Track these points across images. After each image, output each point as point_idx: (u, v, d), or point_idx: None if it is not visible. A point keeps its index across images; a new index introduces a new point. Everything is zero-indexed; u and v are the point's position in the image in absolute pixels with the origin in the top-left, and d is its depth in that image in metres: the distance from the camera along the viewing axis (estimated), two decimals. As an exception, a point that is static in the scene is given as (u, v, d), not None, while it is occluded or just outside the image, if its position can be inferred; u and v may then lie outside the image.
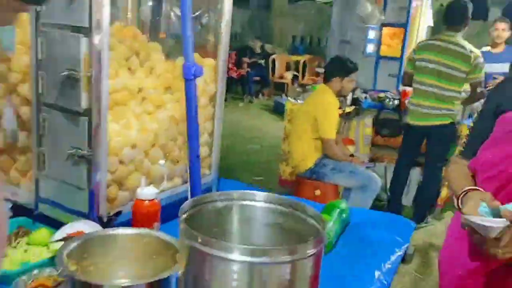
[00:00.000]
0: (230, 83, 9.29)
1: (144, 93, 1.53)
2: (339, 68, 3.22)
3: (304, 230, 1.02)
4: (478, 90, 3.37)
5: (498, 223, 0.92)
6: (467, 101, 3.58)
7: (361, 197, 3.11)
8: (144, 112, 1.53)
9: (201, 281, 0.86)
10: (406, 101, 3.90)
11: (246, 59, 9.31)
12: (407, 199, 3.98)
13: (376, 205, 3.49)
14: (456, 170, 1.27)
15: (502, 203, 1.07)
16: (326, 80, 3.27)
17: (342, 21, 5.02)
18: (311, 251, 0.85)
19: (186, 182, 1.62)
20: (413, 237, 3.34)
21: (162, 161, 1.48)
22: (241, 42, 11.69)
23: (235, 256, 0.82)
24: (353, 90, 4.30)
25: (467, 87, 3.47)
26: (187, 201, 1.00)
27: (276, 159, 4.64)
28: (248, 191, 1.06)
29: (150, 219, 1.29)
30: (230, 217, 1.08)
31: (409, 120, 3.54)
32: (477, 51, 3.29)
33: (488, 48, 4.41)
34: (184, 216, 0.98)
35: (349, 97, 4.22)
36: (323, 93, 3.25)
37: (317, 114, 3.13)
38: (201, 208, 1.05)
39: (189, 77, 1.43)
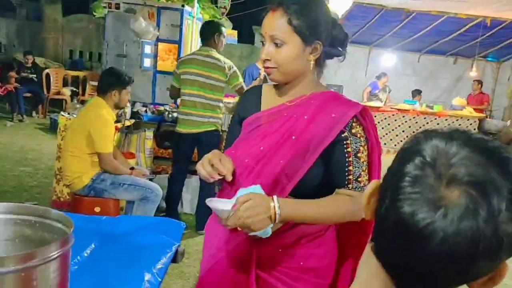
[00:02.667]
0: (-6, 100, 8.12)
1: None
2: (115, 80, 3.16)
3: (53, 237, 0.95)
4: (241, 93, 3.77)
5: (227, 208, 1.14)
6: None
7: (143, 209, 3.10)
8: None
9: None
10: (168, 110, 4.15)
11: (13, 74, 8.26)
12: (191, 207, 4.16)
13: (160, 216, 3.53)
14: None
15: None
16: (101, 92, 3.17)
17: (117, 35, 4.96)
18: (53, 254, 0.80)
19: None
20: (192, 241, 3.50)
21: None
22: (7, 55, 10.38)
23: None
24: (133, 104, 4.30)
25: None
26: None
27: (52, 181, 4.24)
28: (-17, 203, 0.94)
29: None
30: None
31: (179, 128, 3.68)
32: (229, 62, 3.66)
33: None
34: None
35: (129, 111, 4.19)
36: (98, 107, 3.13)
37: (91, 128, 3.00)
38: None
39: None
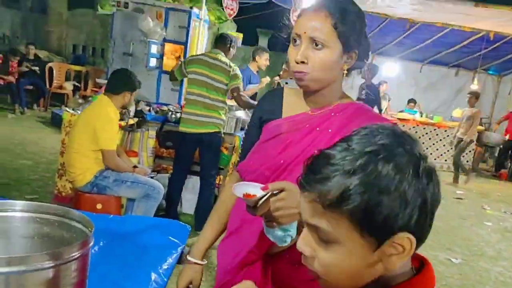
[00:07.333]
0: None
1: None
2: (126, 83, 3.23)
3: (72, 236, 0.98)
4: (235, 94, 3.73)
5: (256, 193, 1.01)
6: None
7: (145, 206, 3.13)
8: None
9: None
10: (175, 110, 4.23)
11: (14, 63, 8.24)
12: (190, 207, 4.19)
13: (160, 215, 3.56)
14: (225, 192, 1.40)
15: None
16: (111, 91, 3.21)
17: (124, 33, 4.99)
18: (74, 254, 0.83)
19: None
20: (191, 241, 3.53)
21: None
22: (10, 46, 10.37)
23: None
24: (137, 102, 4.33)
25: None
26: None
27: (53, 176, 4.26)
28: (4, 200, 0.97)
29: None
30: (-18, 232, 0.96)
31: (182, 128, 3.75)
32: (234, 66, 3.75)
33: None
34: None
35: (132, 109, 4.22)
36: (104, 104, 3.16)
37: (96, 125, 3.03)
38: None
39: None
